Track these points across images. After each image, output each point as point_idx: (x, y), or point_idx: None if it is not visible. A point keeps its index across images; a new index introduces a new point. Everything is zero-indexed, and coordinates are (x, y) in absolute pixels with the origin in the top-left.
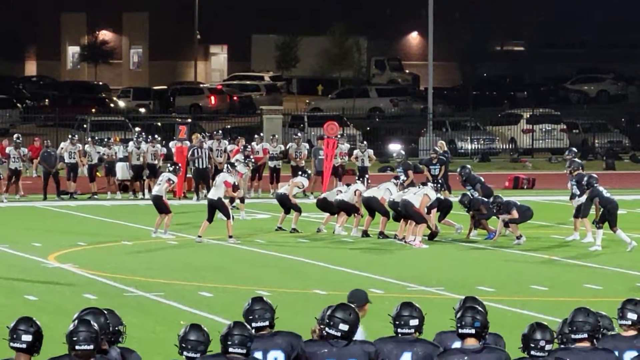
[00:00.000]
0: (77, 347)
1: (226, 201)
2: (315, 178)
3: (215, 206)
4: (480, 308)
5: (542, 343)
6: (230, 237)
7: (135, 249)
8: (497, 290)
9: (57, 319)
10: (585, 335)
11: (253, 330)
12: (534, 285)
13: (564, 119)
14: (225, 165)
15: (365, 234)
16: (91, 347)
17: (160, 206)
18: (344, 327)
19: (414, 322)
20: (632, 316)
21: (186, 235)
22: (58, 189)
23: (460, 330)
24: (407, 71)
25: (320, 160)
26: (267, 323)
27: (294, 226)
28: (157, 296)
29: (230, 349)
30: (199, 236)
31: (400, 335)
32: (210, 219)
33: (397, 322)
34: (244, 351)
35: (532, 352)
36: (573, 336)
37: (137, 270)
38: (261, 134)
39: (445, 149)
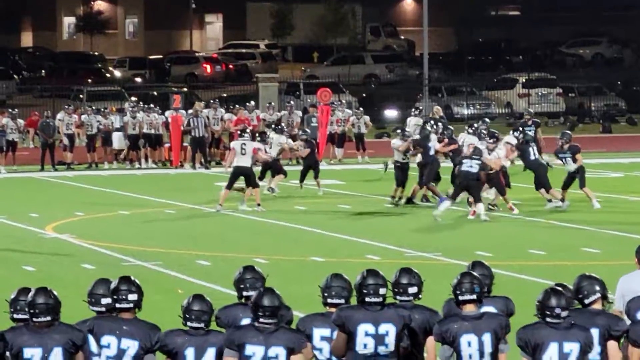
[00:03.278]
0: (34, 319)
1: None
2: None
3: (246, 174)
4: (477, 274)
5: (557, 310)
6: (259, 205)
7: (132, 219)
8: (495, 255)
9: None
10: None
11: (243, 299)
12: (532, 249)
13: (559, 82)
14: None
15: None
16: (48, 318)
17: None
18: (383, 291)
19: (412, 289)
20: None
21: (183, 204)
22: (53, 160)
23: (460, 297)
24: (402, 37)
25: (313, 128)
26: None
27: (272, 186)
28: (155, 265)
29: (261, 320)
30: (220, 204)
31: (399, 301)
32: (229, 186)
33: (396, 290)
34: (275, 321)
35: (548, 319)
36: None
37: (135, 239)
38: (252, 102)
39: (442, 114)
